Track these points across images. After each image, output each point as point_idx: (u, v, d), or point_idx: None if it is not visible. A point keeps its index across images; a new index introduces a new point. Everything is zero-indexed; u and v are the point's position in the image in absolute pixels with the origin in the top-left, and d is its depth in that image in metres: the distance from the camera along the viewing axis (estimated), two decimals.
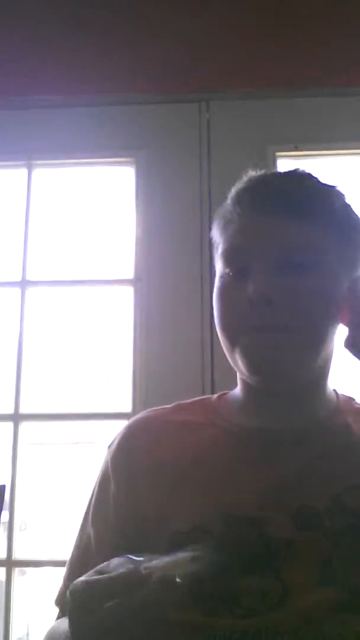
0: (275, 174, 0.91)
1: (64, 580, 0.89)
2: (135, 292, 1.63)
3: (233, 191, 0.87)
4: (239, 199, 0.85)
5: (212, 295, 0.88)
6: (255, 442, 0.83)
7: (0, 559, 1.55)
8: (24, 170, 1.74)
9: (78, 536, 0.89)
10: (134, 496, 0.84)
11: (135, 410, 1.55)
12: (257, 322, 0.79)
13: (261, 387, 0.83)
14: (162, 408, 0.93)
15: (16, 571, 1.55)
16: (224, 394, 0.93)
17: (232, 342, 0.82)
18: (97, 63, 1.72)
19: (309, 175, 0.87)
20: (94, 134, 1.70)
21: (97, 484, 0.90)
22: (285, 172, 0.89)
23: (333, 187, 0.86)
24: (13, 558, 1.52)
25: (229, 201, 0.87)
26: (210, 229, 0.92)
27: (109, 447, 0.91)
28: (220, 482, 0.80)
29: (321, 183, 0.86)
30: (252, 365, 0.80)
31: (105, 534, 0.85)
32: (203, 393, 1.51)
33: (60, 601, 0.88)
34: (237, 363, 0.82)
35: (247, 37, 1.69)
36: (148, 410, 0.95)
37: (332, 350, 0.85)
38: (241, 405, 0.88)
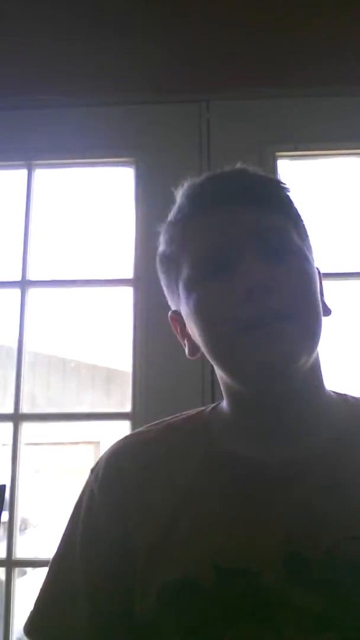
0: (220, 171, 0.85)
1: (36, 607, 0.82)
2: (135, 292, 1.63)
3: (183, 197, 0.83)
4: (195, 199, 0.81)
5: (186, 305, 0.79)
6: (249, 478, 0.76)
7: (0, 559, 1.55)
8: (24, 170, 1.74)
9: (57, 564, 0.84)
10: (124, 533, 0.78)
11: (135, 410, 1.55)
12: (257, 313, 0.72)
13: (260, 386, 0.75)
14: (151, 429, 0.87)
15: (16, 571, 1.55)
16: (215, 407, 0.87)
17: (232, 346, 0.74)
18: (97, 63, 1.71)
19: (251, 168, 0.84)
20: (94, 134, 1.70)
21: (82, 518, 0.83)
22: (228, 169, 0.85)
23: (279, 179, 0.85)
24: (13, 558, 1.52)
25: (183, 205, 0.82)
26: None
27: (94, 473, 0.85)
28: (212, 526, 0.74)
29: (268, 175, 0.85)
30: (258, 362, 0.72)
31: (94, 576, 0.79)
32: (203, 393, 1.51)
33: (29, 631, 0.81)
34: (239, 367, 0.75)
35: (248, 37, 1.69)
36: (136, 432, 0.89)
37: (318, 350, 0.80)
38: (231, 425, 0.81)
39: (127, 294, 1.66)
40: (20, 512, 1.57)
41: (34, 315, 1.69)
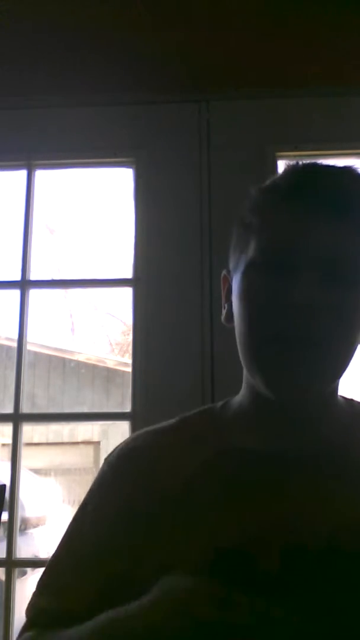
0: (334, 170, 0.81)
1: (41, 593, 0.83)
2: (135, 292, 1.63)
3: (289, 176, 0.80)
4: (299, 191, 0.77)
5: (238, 282, 0.80)
6: (255, 467, 0.79)
7: (0, 559, 1.56)
8: (24, 171, 1.74)
9: (66, 544, 0.85)
10: (132, 514, 0.81)
11: (135, 410, 1.55)
12: (296, 332, 0.73)
13: (274, 398, 0.78)
14: (165, 423, 0.90)
15: (16, 571, 1.55)
16: (228, 401, 0.89)
17: (259, 348, 0.77)
18: (97, 63, 1.71)
19: None
20: (94, 134, 1.70)
21: (95, 502, 0.85)
22: (343, 170, 0.81)
23: None
24: (13, 558, 1.52)
25: (283, 185, 0.80)
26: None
27: (108, 460, 0.89)
28: (215, 509, 0.77)
29: None
30: (276, 377, 0.75)
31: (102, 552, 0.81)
32: (203, 393, 1.51)
33: (32, 615, 0.81)
34: (258, 371, 0.77)
35: (248, 37, 1.69)
36: (152, 427, 0.91)
37: None
38: (245, 419, 0.84)
39: (127, 294, 1.65)
40: (20, 512, 1.57)
41: (34, 316, 1.69)
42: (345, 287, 0.75)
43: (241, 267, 0.80)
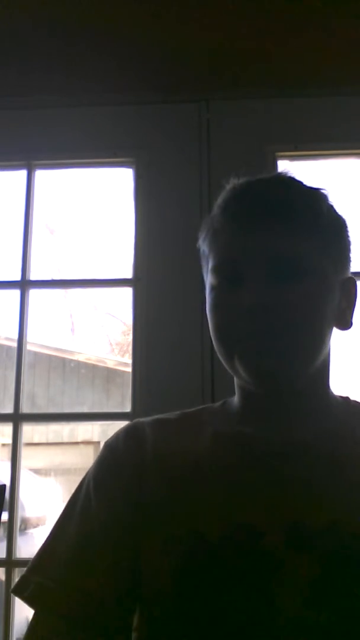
0: (260, 180, 0.89)
1: (35, 570, 0.86)
2: (135, 292, 1.63)
3: (220, 200, 0.88)
4: (226, 209, 0.86)
5: (206, 309, 0.88)
6: (258, 451, 0.83)
7: (0, 559, 1.55)
8: (24, 171, 1.74)
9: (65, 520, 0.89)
10: (137, 492, 0.84)
11: (135, 410, 1.55)
12: (254, 330, 0.80)
13: (260, 391, 0.84)
14: (168, 414, 0.95)
15: (16, 571, 1.55)
16: (226, 401, 0.94)
17: (230, 352, 0.83)
18: (97, 63, 1.71)
19: (293, 180, 0.88)
20: (94, 134, 1.70)
21: (99, 479, 0.88)
22: (270, 178, 0.90)
23: (317, 189, 0.87)
24: (13, 558, 1.52)
25: (216, 210, 0.88)
26: None
27: (110, 443, 0.91)
28: (221, 490, 0.81)
29: (306, 187, 0.87)
30: (252, 371, 0.81)
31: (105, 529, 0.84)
32: (203, 393, 1.51)
33: (23, 591, 0.84)
34: (237, 370, 0.83)
35: (248, 37, 1.69)
36: (154, 416, 0.95)
37: (328, 353, 0.87)
38: (241, 413, 0.89)
39: (127, 294, 1.65)
40: (20, 512, 1.57)
41: (34, 316, 1.69)
42: (293, 282, 0.80)
43: (207, 286, 0.88)
